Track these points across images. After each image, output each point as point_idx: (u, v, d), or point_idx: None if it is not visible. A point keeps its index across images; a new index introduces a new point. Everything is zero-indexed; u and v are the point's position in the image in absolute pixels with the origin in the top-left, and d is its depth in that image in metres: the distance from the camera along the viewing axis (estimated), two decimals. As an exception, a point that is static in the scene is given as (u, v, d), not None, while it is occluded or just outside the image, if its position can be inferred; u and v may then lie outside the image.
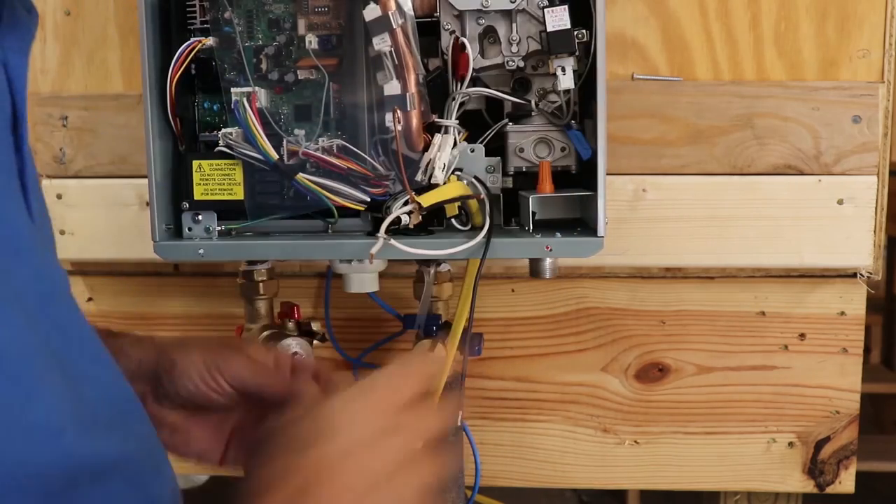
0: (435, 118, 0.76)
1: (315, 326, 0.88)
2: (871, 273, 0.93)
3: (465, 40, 0.75)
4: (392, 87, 0.72)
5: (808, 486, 0.99)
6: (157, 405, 0.69)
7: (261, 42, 0.75)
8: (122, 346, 0.69)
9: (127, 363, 0.68)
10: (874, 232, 0.91)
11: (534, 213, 0.75)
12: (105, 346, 0.66)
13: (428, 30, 0.76)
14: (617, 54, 0.91)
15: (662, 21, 0.91)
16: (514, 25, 0.75)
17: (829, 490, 0.99)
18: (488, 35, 0.76)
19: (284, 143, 0.75)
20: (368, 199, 0.75)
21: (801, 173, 0.91)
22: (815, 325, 0.96)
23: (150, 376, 0.69)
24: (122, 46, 0.96)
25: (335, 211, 0.75)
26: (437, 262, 0.85)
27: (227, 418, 0.71)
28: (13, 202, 0.47)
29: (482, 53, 0.77)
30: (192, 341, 0.71)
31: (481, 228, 0.76)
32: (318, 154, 0.74)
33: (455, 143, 0.76)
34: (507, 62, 0.76)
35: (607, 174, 0.73)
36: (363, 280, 0.85)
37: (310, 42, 0.74)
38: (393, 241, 0.73)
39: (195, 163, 0.77)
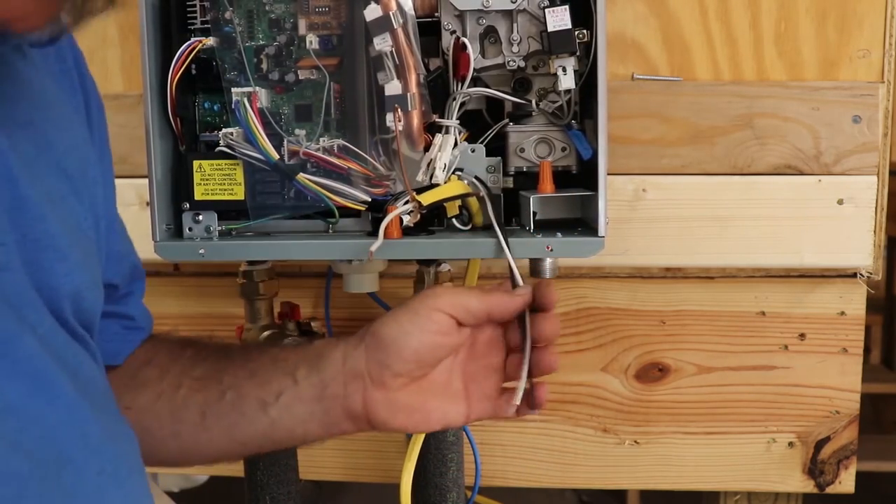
0: (436, 118, 0.76)
1: (315, 326, 0.88)
2: (871, 273, 0.93)
3: (465, 40, 0.75)
4: (393, 87, 0.72)
5: (808, 486, 0.99)
6: (384, 391, 0.66)
7: (261, 42, 0.75)
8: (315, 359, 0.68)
9: (333, 368, 0.67)
10: (874, 232, 0.91)
11: (534, 213, 0.75)
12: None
13: (428, 30, 0.76)
14: (617, 54, 0.91)
15: (662, 21, 0.91)
16: (514, 25, 0.75)
17: (829, 490, 0.99)
18: (489, 35, 0.76)
19: (285, 143, 0.75)
20: (369, 199, 0.75)
21: (801, 173, 0.91)
22: (815, 325, 0.96)
23: (365, 367, 0.66)
24: (122, 46, 0.96)
25: (336, 211, 0.76)
26: (437, 262, 0.85)
27: (456, 372, 0.69)
28: None
29: (483, 53, 0.77)
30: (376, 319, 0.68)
31: (482, 228, 0.76)
32: (319, 154, 0.74)
33: (456, 143, 0.76)
34: (508, 62, 0.76)
35: (607, 174, 0.73)
36: (363, 280, 0.85)
37: (310, 42, 0.74)
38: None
39: (195, 163, 0.77)
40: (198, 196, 0.78)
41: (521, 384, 0.67)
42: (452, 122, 0.76)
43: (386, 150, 0.75)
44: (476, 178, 0.77)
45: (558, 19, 0.72)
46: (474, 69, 0.76)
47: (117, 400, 0.63)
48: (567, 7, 0.72)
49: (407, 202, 0.74)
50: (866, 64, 0.90)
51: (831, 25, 0.90)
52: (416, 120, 0.72)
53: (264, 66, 0.75)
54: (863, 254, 0.91)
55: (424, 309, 0.66)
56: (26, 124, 0.57)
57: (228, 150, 0.76)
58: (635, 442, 0.99)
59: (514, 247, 0.75)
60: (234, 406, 0.68)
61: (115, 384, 0.64)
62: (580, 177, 0.78)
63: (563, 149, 0.78)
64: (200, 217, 0.79)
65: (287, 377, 0.67)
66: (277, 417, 0.67)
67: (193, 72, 0.77)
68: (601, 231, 0.73)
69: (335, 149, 0.75)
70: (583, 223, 0.79)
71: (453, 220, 0.78)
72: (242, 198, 0.77)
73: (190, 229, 0.79)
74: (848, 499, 1.08)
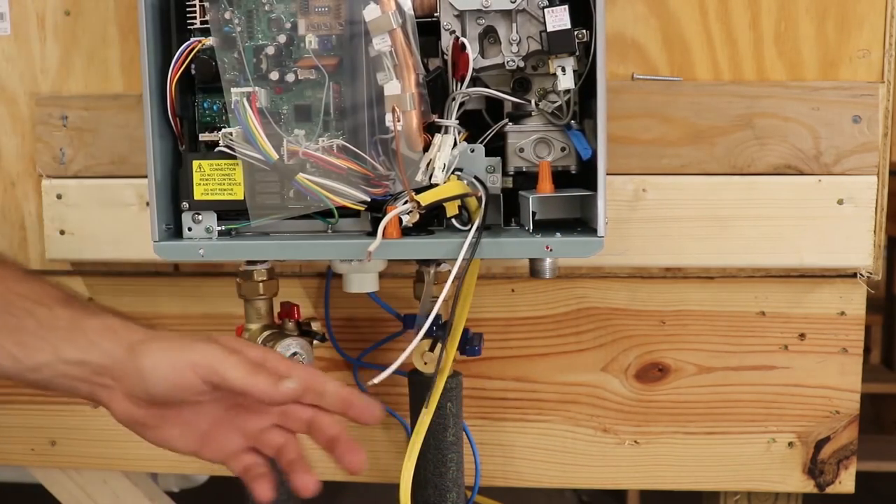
0: (435, 118, 0.76)
1: (315, 326, 0.88)
2: (871, 273, 0.93)
3: (465, 40, 0.75)
4: (392, 87, 0.72)
5: (808, 486, 0.99)
6: (127, 402, 0.68)
7: (261, 42, 0.75)
8: (87, 328, 0.68)
9: (90, 349, 0.68)
10: (874, 232, 0.91)
11: (534, 213, 0.75)
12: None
13: (428, 30, 0.76)
14: (617, 54, 0.91)
15: (662, 21, 0.91)
16: (514, 25, 0.75)
17: (829, 490, 0.99)
18: (488, 35, 0.76)
19: (284, 143, 0.75)
20: (368, 199, 0.75)
21: (801, 173, 0.91)
22: (815, 325, 0.96)
23: (117, 372, 0.67)
24: (122, 46, 0.97)
25: (335, 211, 0.76)
26: (437, 261, 0.85)
27: (206, 415, 0.70)
28: None
29: (482, 53, 0.77)
30: (165, 336, 0.69)
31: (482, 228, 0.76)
32: (318, 154, 0.74)
33: (455, 143, 0.76)
34: (507, 62, 0.76)
35: (607, 174, 0.73)
36: (363, 280, 0.85)
37: (310, 42, 0.74)
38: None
39: (195, 163, 0.77)
40: (197, 196, 0.78)
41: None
42: (452, 122, 0.76)
43: (385, 150, 0.75)
44: (475, 178, 0.77)
45: (557, 19, 0.72)
46: (473, 69, 0.76)
47: None
48: (566, 7, 0.72)
49: (406, 202, 0.74)
50: (866, 64, 0.90)
51: (831, 25, 0.90)
52: (415, 120, 0.72)
53: (264, 66, 0.75)
54: (863, 254, 0.91)
55: (183, 362, 0.66)
56: None
57: (228, 150, 0.76)
58: (635, 442, 0.99)
59: (513, 247, 0.75)
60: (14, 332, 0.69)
61: None
62: (580, 177, 0.78)
63: (563, 149, 0.78)
64: (200, 217, 0.79)
65: (49, 346, 0.68)
66: (30, 377, 0.69)
67: (193, 72, 0.77)
68: (601, 231, 0.73)
69: (334, 149, 0.75)
70: (582, 223, 0.79)
71: (453, 220, 0.78)
72: (242, 198, 0.77)
73: (189, 229, 0.79)
74: (848, 499, 1.08)
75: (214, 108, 0.79)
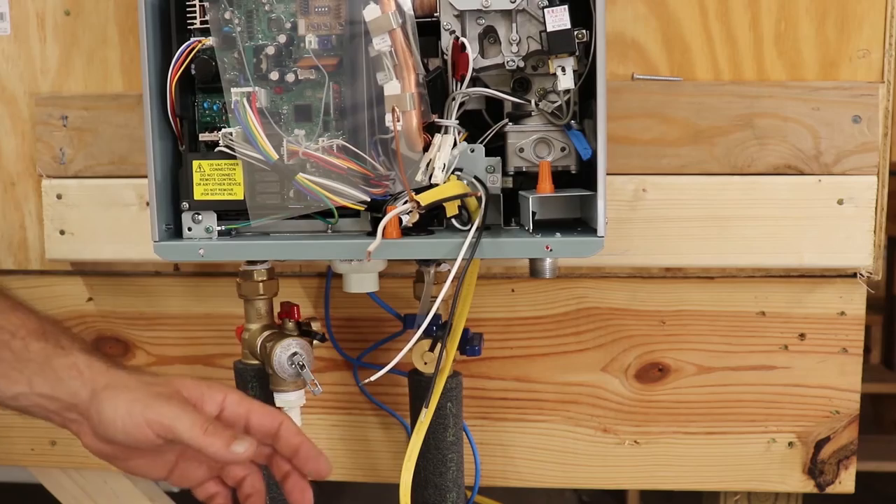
0: (435, 118, 0.76)
1: (315, 326, 0.88)
2: (871, 273, 0.93)
3: (465, 40, 0.75)
4: (392, 87, 0.72)
5: (808, 486, 0.99)
6: (97, 442, 0.72)
7: (261, 42, 0.75)
8: (56, 365, 0.73)
9: (58, 386, 0.73)
10: (874, 232, 0.91)
11: (534, 213, 0.75)
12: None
13: (428, 30, 0.76)
14: (617, 54, 0.91)
15: (662, 21, 0.91)
16: (514, 25, 0.75)
17: (829, 490, 0.99)
18: (488, 35, 0.76)
19: (284, 143, 0.75)
20: (368, 199, 0.75)
21: (801, 173, 0.91)
22: (815, 325, 0.96)
23: (82, 411, 0.72)
24: (122, 46, 0.97)
25: (335, 211, 0.76)
26: (437, 261, 0.85)
27: (167, 450, 0.74)
28: None
29: (482, 53, 0.77)
30: (126, 384, 0.73)
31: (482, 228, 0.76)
32: (318, 154, 0.74)
33: (455, 143, 0.76)
34: (507, 62, 0.76)
35: (607, 174, 0.73)
36: (363, 280, 0.85)
37: (310, 42, 0.74)
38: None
39: (195, 163, 0.77)
40: (197, 196, 0.78)
41: None
42: (451, 122, 0.76)
43: (385, 150, 0.75)
44: (475, 178, 0.77)
45: (557, 19, 0.72)
46: (473, 69, 0.76)
47: None
48: (566, 7, 0.72)
49: (406, 202, 0.74)
50: (866, 64, 0.90)
51: (831, 25, 0.90)
52: (415, 120, 0.72)
53: (264, 66, 0.75)
54: (863, 254, 0.91)
55: (138, 417, 0.70)
56: None
57: (228, 150, 0.76)
58: (635, 442, 0.99)
59: (513, 247, 0.75)
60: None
61: None
62: (580, 177, 0.78)
63: (563, 149, 0.78)
64: (200, 217, 0.79)
65: (25, 380, 0.73)
66: (11, 404, 0.74)
67: (193, 72, 0.77)
68: (600, 231, 0.73)
69: (334, 149, 0.75)
70: (582, 223, 0.79)
71: (452, 220, 0.78)
72: (242, 198, 0.77)
73: (189, 229, 0.79)
74: (848, 499, 1.08)
75: (214, 108, 0.79)
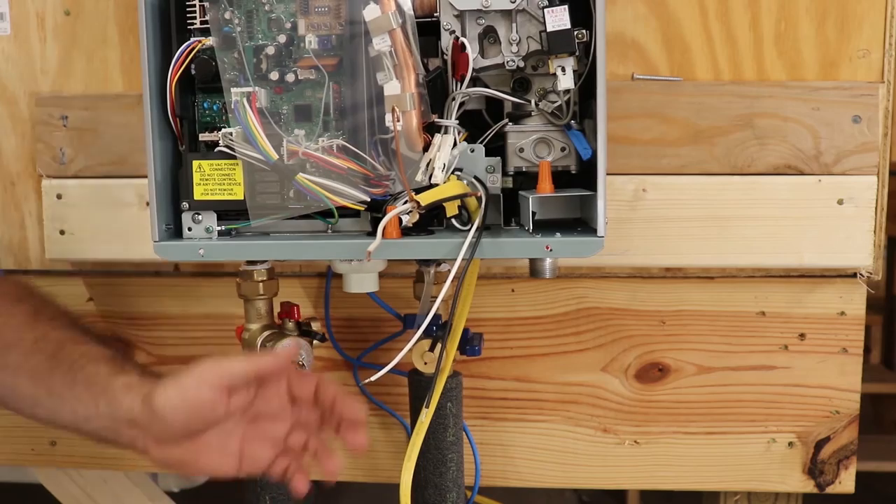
0: (435, 118, 0.76)
1: (315, 326, 0.88)
2: (871, 273, 0.93)
3: (464, 40, 0.75)
4: (392, 87, 0.72)
5: (808, 486, 0.99)
6: (159, 448, 0.73)
7: (261, 42, 0.75)
8: (114, 386, 0.74)
9: (115, 405, 0.73)
10: (874, 232, 0.91)
11: (534, 213, 0.75)
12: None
13: (428, 30, 0.76)
14: (617, 54, 0.91)
15: (662, 21, 0.91)
16: (514, 25, 0.75)
17: (829, 490, 0.99)
18: (488, 35, 0.76)
19: (284, 143, 0.75)
20: (368, 199, 0.75)
21: (801, 173, 0.91)
22: (815, 325, 0.96)
23: (140, 423, 0.72)
24: (122, 46, 0.97)
25: (335, 211, 0.76)
26: (437, 261, 0.85)
27: (234, 434, 0.74)
28: None
29: (482, 53, 0.77)
30: (170, 376, 0.74)
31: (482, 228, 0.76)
32: (318, 154, 0.74)
33: (455, 143, 0.76)
34: (507, 62, 0.76)
35: (607, 174, 0.73)
36: (363, 280, 0.85)
37: (310, 42, 0.74)
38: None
39: (195, 163, 0.77)
40: (197, 196, 0.78)
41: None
42: (451, 122, 0.76)
43: (385, 150, 0.75)
44: (475, 178, 0.77)
45: (557, 19, 0.72)
46: (473, 69, 0.76)
47: None
48: (566, 7, 0.72)
49: (406, 202, 0.73)
50: (866, 64, 0.90)
51: (831, 25, 0.90)
52: (415, 120, 0.72)
53: (264, 66, 0.75)
54: (863, 254, 0.91)
55: (193, 384, 0.71)
56: None
57: (228, 150, 0.76)
58: (635, 442, 0.99)
59: (513, 247, 0.75)
60: (57, 408, 0.76)
61: None
62: (580, 177, 0.78)
63: (563, 149, 0.78)
64: (200, 217, 0.79)
65: (92, 402, 0.74)
66: (84, 428, 0.76)
67: (193, 72, 0.77)
68: (600, 231, 0.73)
69: (334, 149, 0.75)
70: (582, 223, 0.79)
71: (452, 220, 0.78)
72: (242, 198, 0.77)
73: (189, 229, 0.79)
74: (848, 499, 1.08)
75: (214, 108, 0.79)
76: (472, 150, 0.78)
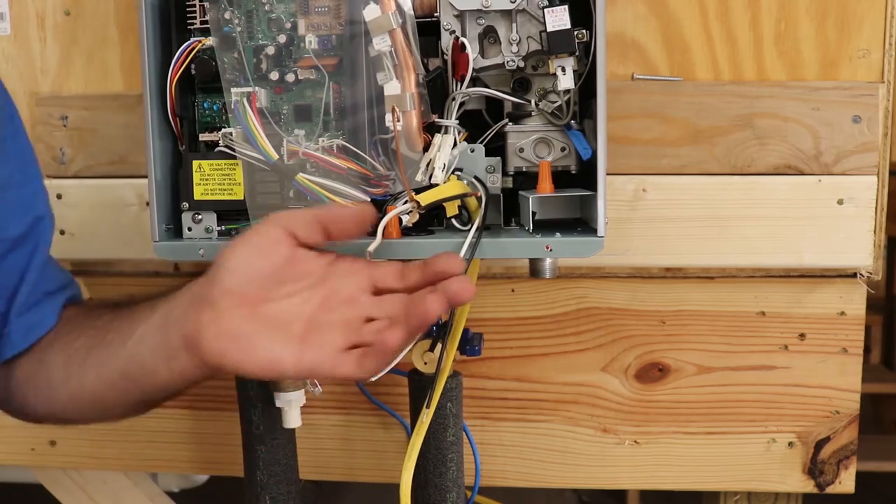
0: (435, 118, 0.76)
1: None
2: (871, 273, 0.93)
3: (465, 40, 0.75)
4: (392, 87, 0.72)
5: (808, 486, 0.99)
6: (214, 312, 0.64)
7: (261, 42, 0.75)
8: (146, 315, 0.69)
9: (182, 293, 0.67)
10: (874, 232, 0.91)
11: (534, 213, 0.75)
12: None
13: (428, 30, 0.76)
14: (617, 54, 0.91)
15: (662, 21, 0.91)
16: (514, 25, 0.75)
17: (829, 490, 0.99)
18: (488, 35, 0.76)
19: (284, 143, 0.75)
20: (368, 199, 0.75)
21: (801, 173, 0.91)
22: (815, 325, 0.96)
23: (203, 289, 0.65)
24: (122, 46, 0.97)
25: (335, 211, 0.75)
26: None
27: (302, 316, 0.65)
28: None
29: (482, 53, 0.77)
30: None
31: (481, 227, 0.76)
32: (318, 154, 0.74)
33: (455, 143, 0.76)
34: (507, 62, 0.76)
35: (607, 174, 0.73)
36: (363, 280, 0.85)
37: (310, 42, 0.74)
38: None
39: (195, 163, 0.77)
40: (197, 196, 0.78)
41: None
42: (451, 122, 0.76)
43: (385, 150, 0.75)
44: (475, 178, 0.77)
45: (557, 19, 0.72)
46: (473, 69, 0.76)
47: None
48: (566, 7, 0.72)
49: (406, 202, 0.74)
50: (866, 64, 0.90)
51: (831, 25, 0.90)
52: (415, 120, 0.72)
53: (264, 66, 0.75)
54: (863, 254, 0.91)
55: (258, 228, 0.65)
56: None
57: (228, 150, 0.76)
58: (635, 442, 0.99)
59: (513, 247, 0.75)
60: (108, 344, 0.70)
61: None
62: (580, 177, 0.78)
63: (563, 149, 0.78)
64: (200, 217, 0.79)
65: (148, 309, 0.69)
66: (133, 348, 0.67)
67: (193, 72, 0.77)
68: (600, 231, 0.73)
69: (334, 149, 0.75)
70: (582, 223, 0.79)
71: (452, 220, 0.78)
72: (242, 198, 0.77)
73: (189, 229, 0.79)
74: (848, 499, 1.08)
75: (214, 108, 0.79)
76: (472, 150, 0.78)
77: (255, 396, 0.87)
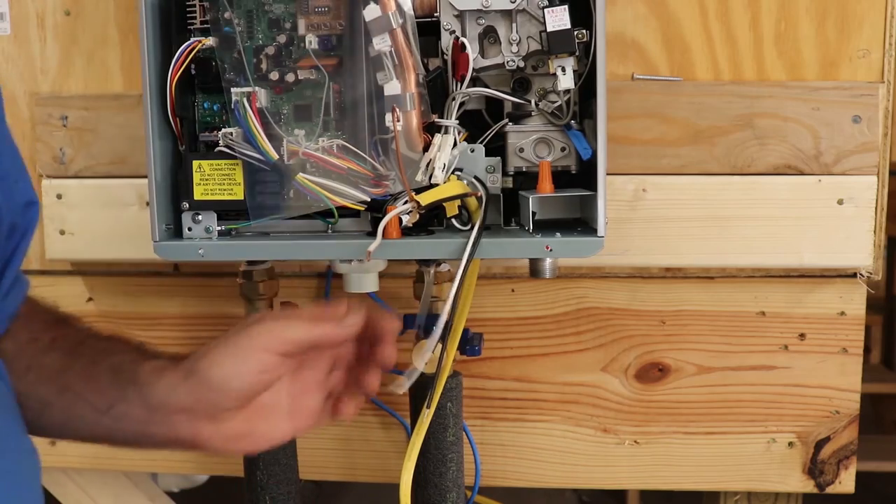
0: (435, 118, 0.76)
1: (315, 326, 0.88)
2: (871, 273, 0.93)
3: (465, 40, 0.75)
4: (392, 87, 0.72)
5: (808, 486, 0.99)
6: (214, 424, 0.67)
7: (261, 42, 0.75)
8: (141, 371, 0.68)
9: (157, 400, 0.66)
10: (874, 232, 0.91)
11: (534, 213, 0.75)
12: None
13: (428, 30, 0.76)
14: (617, 54, 0.91)
15: (662, 21, 0.91)
16: (514, 25, 0.75)
17: (829, 490, 0.99)
18: (488, 35, 0.76)
19: (284, 143, 0.75)
20: (368, 199, 0.75)
21: (801, 173, 0.91)
22: (815, 325, 0.96)
23: (192, 404, 0.66)
24: (122, 46, 0.97)
25: (335, 211, 0.76)
26: (437, 261, 0.85)
27: (282, 393, 0.69)
28: None
29: (482, 53, 0.77)
30: (213, 347, 0.68)
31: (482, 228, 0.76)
32: (318, 154, 0.74)
33: (455, 143, 0.76)
34: (507, 62, 0.76)
35: (607, 174, 0.73)
36: (363, 280, 0.85)
37: (310, 42, 0.74)
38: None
39: (195, 163, 0.77)
40: (197, 196, 0.78)
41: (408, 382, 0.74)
42: (452, 122, 0.76)
43: (385, 150, 0.75)
44: (475, 178, 0.77)
45: (557, 19, 0.72)
46: (473, 69, 0.76)
47: None
48: (566, 7, 0.72)
49: (406, 202, 0.74)
50: (866, 64, 0.90)
51: (831, 25, 0.90)
52: (415, 120, 0.72)
53: (264, 66, 0.75)
54: (863, 254, 0.91)
55: (249, 349, 0.66)
56: None
57: (228, 150, 0.76)
58: (635, 442, 0.99)
59: (513, 247, 0.75)
60: (70, 406, 0.69)
61: None
62: (580, 177, 0.78)
63: (563, 149, 0.78)
64: (200, 217, 0.79)
65: (119, 391, 0.67)
66: (112, 426, 0.68)
67: (193, 72, 0.77)
68: (600, 231, 0.73)
69: (334, 149, 0.75)
70: (582, 223, 0.79)
71: (452, 220, 0.78)
72: (242, 198, 0.77)
73: (189, 229, 0.79)
74: (848, 499, 1.08)
75: (214, 108, 0.79)
76: (472, 150, 0.78)
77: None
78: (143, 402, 0.67)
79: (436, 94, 0.76)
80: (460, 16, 0.76)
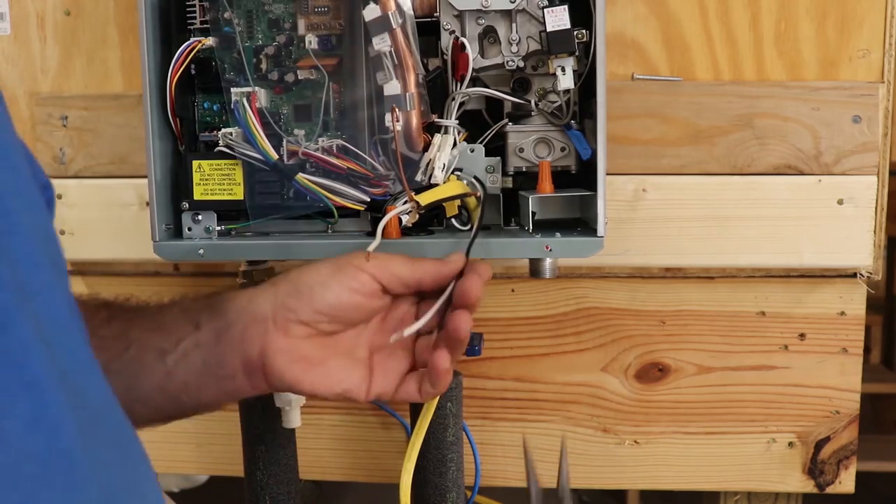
0: (435, 118, 0.76)
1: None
2: (871, 273, 0.93)
3: (464, 40, 0.75)
4: (392, 87, 0.72)
5: (808, 486, 0.99)
6: (286, 338, 0.62)
7: (261, 42, 0.75)
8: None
9: (235, 309, 0.62)
10: (874, 232, 0.91)
11: (534, 213, 0.75)
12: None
13: (428, 30, 0.76)
14: (617, 54, 0.91)
15: (662, 21, 0.91)
16: (513, 25, 0.75)
17: (829, 490, 0.99)
18: (488, 35, 0.76)
19: (284, 143, 0.75)
20: (368, 199, 0.75)
21: (801, 173, 0.91)
22: (815, 325, 0.96)
23: (271, 310, 0.62)
24: (122, 46, 0.97)
25: (335, 211, 0.76)
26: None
27: (363, 340, 0.65)
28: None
29: (482, 53, 0.77)
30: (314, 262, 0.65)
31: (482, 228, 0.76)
32: (318, 154, 0.74)
33: (455, 143, 0.76)
34: (507, 62, 0.76)
35: (607, 174, 0.73)
36: (363, 280, 0.85)
37: (310, 42, 0.74)
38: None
39: (195, 163, 0.77)
40: (197, 196, 0.78)
41: (418, 324, 0.65)
42: (451, 122, 0.76)
43: (385, 150, 0.75)
44: (475, 178, 0.77)
45: (557, 19, 0.72)
46: (473, 69, 0.76)
47: None
48: (566, 7, 0.72)
49: (406, 202, 0.74)
50: (866, 64, 0.90)
51: (831, 25, 0.90)
52: (414, 120, 0.72)
53: (263, 66, 0.75)
54: (863, 254, 0.91)
55: (351, 267, 0.63)
56: None
57: (228, 150, 0.76)
58: (635, 442, 0.99)
59: (513, 247, 0.75)
60: (134, 359, 0.63)
61: None
62: (580, 177, 0.78)
63: (563, 149, 0.78)
64: (200, 217, 0.79)
65: (190, 324, 0.63)
66: (174, 366, 0.63)
67: (193, 72, 0.77)
68: (600, 231, 0.73)
69: (334, 149, 0.75)
70: (582, 223, 0.79)
71: (452, 220, 0.78)
72: (242, 198, 0.77)
73: (189, 229, 0.79)
74: (848, 499, 1.08)
75: (214, 108, 0.79)
76: (472, 150, 0.78)
77: (255, 397, 0.87)
78: (220, 320, 0.63)
79: (435, 94, 0.76)
80: (460, 16, 0.76)
